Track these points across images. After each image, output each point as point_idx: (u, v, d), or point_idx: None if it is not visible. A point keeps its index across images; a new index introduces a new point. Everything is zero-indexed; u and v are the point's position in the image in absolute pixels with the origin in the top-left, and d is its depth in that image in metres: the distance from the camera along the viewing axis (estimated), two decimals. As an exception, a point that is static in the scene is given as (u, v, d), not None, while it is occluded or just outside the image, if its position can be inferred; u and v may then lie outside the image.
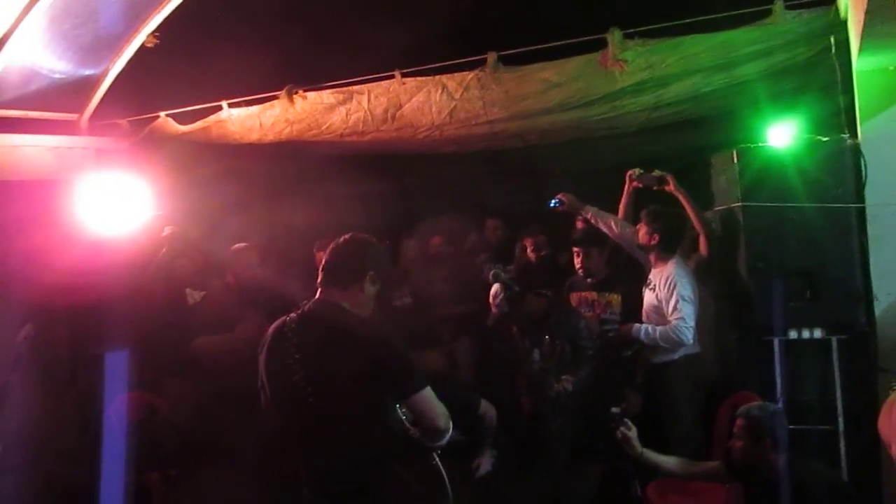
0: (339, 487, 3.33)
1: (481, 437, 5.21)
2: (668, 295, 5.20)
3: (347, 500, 3.33)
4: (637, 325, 5.36)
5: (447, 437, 3.41)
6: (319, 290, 3.48)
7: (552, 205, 5.86)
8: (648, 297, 5.40)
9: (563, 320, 5.46)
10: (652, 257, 5.42)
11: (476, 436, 5.17)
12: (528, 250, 6.65)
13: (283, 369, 3.36)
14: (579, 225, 6.06)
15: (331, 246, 3.54)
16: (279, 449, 3.74)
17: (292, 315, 3.46)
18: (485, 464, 5.20)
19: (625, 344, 5.51)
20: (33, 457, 5.16)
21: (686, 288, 5.18)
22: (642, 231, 5.40)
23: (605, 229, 5.72)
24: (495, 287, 5.50)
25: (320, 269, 3.52)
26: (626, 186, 5.89)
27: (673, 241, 5.34)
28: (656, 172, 5.69)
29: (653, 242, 5.35)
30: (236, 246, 5.78)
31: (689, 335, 5.14)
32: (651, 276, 5.42)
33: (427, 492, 3.58)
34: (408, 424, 3.50)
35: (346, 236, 3.55)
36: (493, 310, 5.59)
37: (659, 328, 5.23)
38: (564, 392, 5.25)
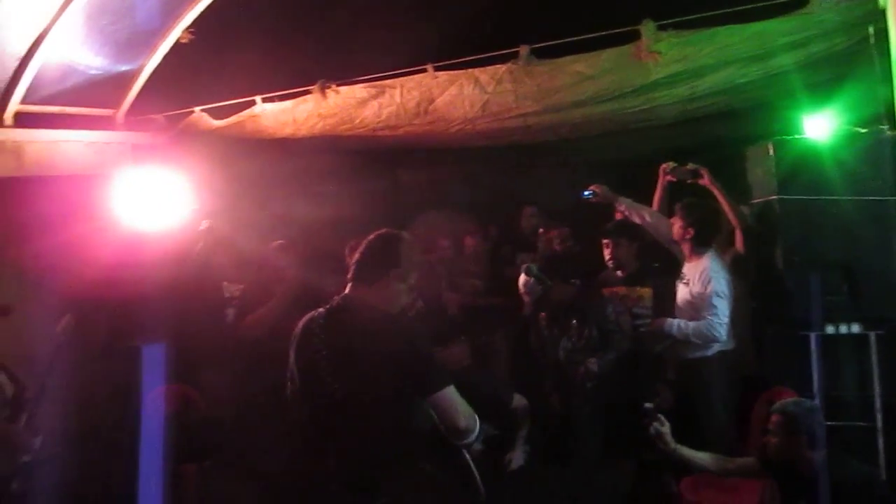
0: (365, 480, 3.34)
1: (514, 431, 5.21)
2: (702, 290, 5.15)
3: (373, 494, 3.33)
4: (669, 319, 5.30)
5: (472, 436, 3.40)
6: (348, 285, 3.51)
7: (585, 196, 5.81)
8: (682, 291, 5.35)
9: (590, 305, 5.44)
10: (686, 251, 5.37)
11: (509, 430, 5.17)
12: (555, 242, 6.61)
13: (311, 364, 3.39)
14: (618, 216, 6.01)
15: (363, 242, 3.56)
16: (306, 442, 3.77)
17: (320, 310, 3.49)
18: (517, 458, 5.20)
19: (656, 339, 5.45)
20: (71, 447, 5.24)
21: (721, 283, 5.13)
22: (677, 225, 5.35)
23: (638, 221, 5.67)
24: (523, 277, 5.48)
25: (351, 264, 3.54)
26: (660, 180, 5.84)
27: (708, 235, 5.29)
28: (690, 166, 5.64)
29: (687, 236, 5.30)
30: (275, 243, 5.84)
31: (722, 332, 5.09)
32: (685, 271, 5.37)
33: (456, 487, 3.57)
34: (436, 420, 3.51)
35: (376, 232, 3.56)
36: (525, 299, 5.58)
37: (692, 324, 5.18)
38: (590, 373, 5.21)
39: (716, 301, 5.09)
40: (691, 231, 5.28)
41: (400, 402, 3.32)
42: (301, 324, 3.53)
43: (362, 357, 3.30)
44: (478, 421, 3.41)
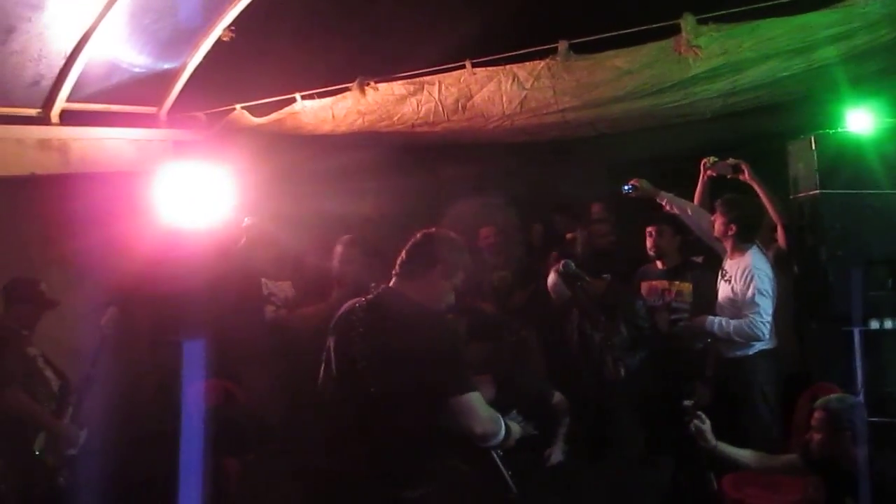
0: (399, 475, 3.37)
1: (553, 427, 5.21)
2: (745, 288, 5.10)
3: (406, 488, 3.36)
4: (710, 317, 5.25)
5: (494, 440, 3.44)
6: (393, 279, 3.56)
7: (626, 190, 5.76)
8: (724, 288, 5.30)
9: (620, 301, 5.40)
10: (729, 247, 5.32)
11: (549, 427, 5.17)
12: (589, 237, 6.60)
13: (348, 354, 3.43)
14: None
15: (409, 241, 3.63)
16: (340, 435, 3.81)
17: (362, 300, 3.53)
18: (556, 454, 5.19)
19: (696, 336, 5.40)
20: (115, 441, 5.33)
21: (764, 281, 5.08)
22: (719, 221, 5.30)
23: (679, 214, 5.63)
24: (552, 277, 5.47)
25: (398, 260, 3.60)
26: (701, 175, 5.80)
27: (751, 231, 5.25)
28: (731, 161, 5.60)
29: (730, 232, 5.25)
30: (343, 238, 5.91)
31: (765, 330, 5.04)
32: (727, 267, 5.32)
33: (487, 484, 3.59)
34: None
35: (422, 231, 3.64)
36: (553, 297, 5.57)
37: (733, 322, 5.13)
38: (618, 377, 5.19)
39: (759, 299, 5.04)
40: (734, 227, 5.22)
41: (429, 398, 3.34)
42: (342, 311, 3.59)
43: (395, 349, 3.33)
44: (501, 425, 3.45)
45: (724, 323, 5.18)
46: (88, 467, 5.18)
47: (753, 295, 5.05)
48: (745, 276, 5.11)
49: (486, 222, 6.95)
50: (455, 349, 3.44)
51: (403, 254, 3.57)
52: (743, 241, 5.23)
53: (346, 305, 3.60)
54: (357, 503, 3.47)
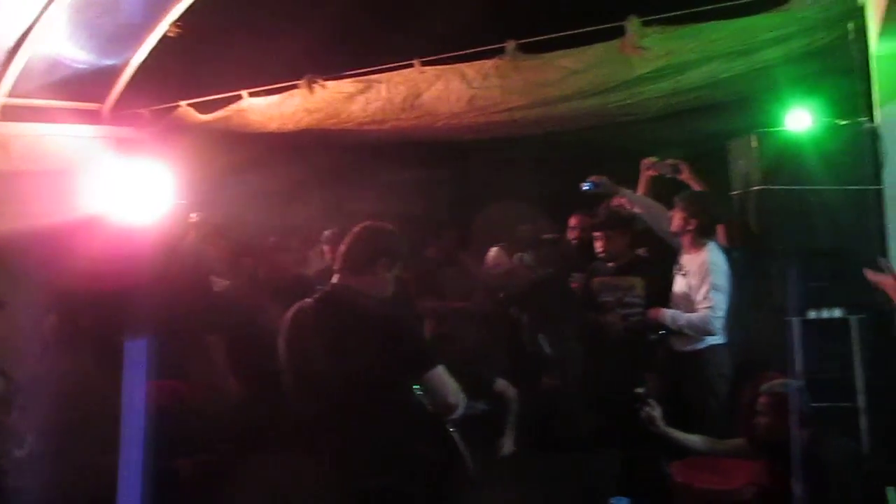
0: (362, 465, 3.41)
1: (503, 417, 5.29)
2: (700, 282, 5.19)
3: (368, 478, 3.40)
4: (664, 310, 5.34)
5: (460, 411, 3.53)
6: (336, 275, 3.61)
7: (585, 188, 5.73)
8: (679, 282, 5.39)
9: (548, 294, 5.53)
10: (686, 242, 5.38)
11: (498, 415, 5.25)
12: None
13: (302, 353, 3.49)
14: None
15: (349, 234, 3.67)
16: (301, 430, 3.83)
17: (308, 300, 3.58)
18: (507, 444, 5.27)
19: (650, 328, 5.49)
20: (63, 444, 5.21)
21: (720, 276, 5.17)
22: (678, 216, 5.35)
23: (639, 212, 5.68)
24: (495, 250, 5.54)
25: (338, 255, 3.64)
26: (643, 174, 5.91)
27: (710, 226, 5.33)
28: (670, 161, 5.73)
29: (689, 228, 5.30)
30: (271, 241, 5.89)
31: (717, 325, 5.15)
32: (684, 262, 5.39)
33: (446, 465, 3.66)
34: (424, 400, 3.58)
35: (363, 224, 3.68)
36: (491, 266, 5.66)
37: (686, 315, 5.23)
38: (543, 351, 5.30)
39: (713, 294, 5.13)
40: (694, 222, 5.29)
41: (392, 384, 3.41)
42: (290, 314, 3.62)
43: (354, 342, 3.37)
44: (463, 396, 3.53)
45: (678, 316, 5.26)
46: (35, 471, 5.07)
47: (708, 290, 5.14)
48: (702, 271, 5.20)
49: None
50: (415, 328, 3.59)
51: (344, 248, 3.61)
52: (701, 237, 5.31)
53: (292, 308, 3.63)
54: (321, 498, 3.52)
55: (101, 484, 4.94)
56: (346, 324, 3.43)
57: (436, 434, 3.61)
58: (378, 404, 3.39)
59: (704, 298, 5.17)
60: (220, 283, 6.07)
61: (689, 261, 5.36)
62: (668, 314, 5.32)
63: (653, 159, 5.82)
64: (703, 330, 5.18)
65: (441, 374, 3.43)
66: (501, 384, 5.36)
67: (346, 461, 3.45)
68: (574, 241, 6.47)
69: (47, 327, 5.51)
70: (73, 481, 5.05)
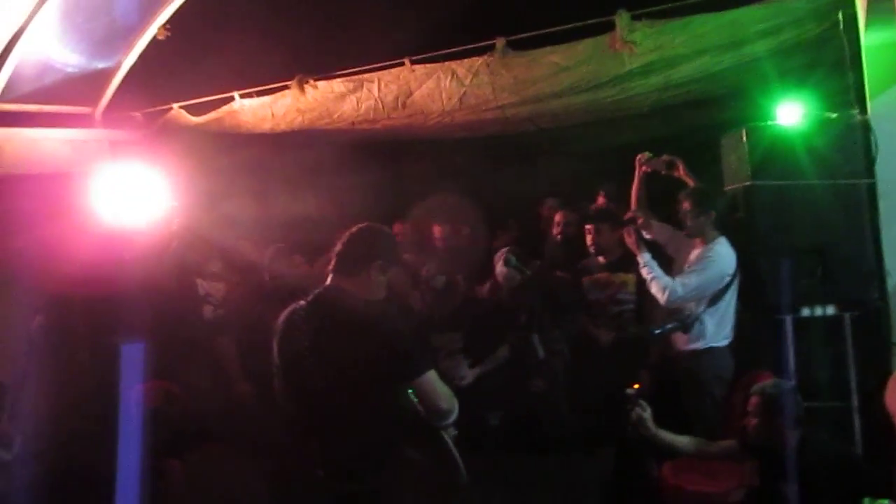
0: (351, 468, 3.42)
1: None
2: (695, 263, 5.13)
3: (359, 481, 3.41)
4: (647, 254, 5.24)
5: (452, 417, 3.49)
6: (329, 277, 3.60)
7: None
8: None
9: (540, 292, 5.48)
10: (698, 237, 5.31)
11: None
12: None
13: (294, 355, 3.47)
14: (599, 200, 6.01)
15: (343, 236, 3.65)
16: (292, 432, 3.81)
17: (301, 302, 3.57)
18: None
19: (641, 326, 5.45)
20: (52, 445, 5.23)
21: (716, 267, 5.10)
22: (691, 213, 5.25)
23: (661, 241, 5.58)
24: (500, 267, 5.52)
25: (332, 256, 3.63)
26: (637, 171, 5.85)
27: (721, 219, 5.26)
28: (665, 157, 5.68)
29: (706, 220, 5.23)
30: (275, 247, 5.90)
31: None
32: (692, 258, 5.28)
33: (438, 471, 3.62)
34: (417, 405, 3.55)
35: (358, 225, 3.66)
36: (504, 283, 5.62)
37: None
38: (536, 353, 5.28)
39: (694, 275, 5.06)
40: (712, 214, 5.20)
41: (384, 387, 3.39)
42: (283, 316, 3.61)
43: (347, 344, 3.37)
44: (456, 402, 3.49)
45: (653, 268, 5.18)
46: (25, 471, 5.09)
47: (694, 269, 5.08)
48: (702, 256, 5.14)
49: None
50: (408, 333, 3.49)
51: (340, 248, 3.60)
52: (714, 229, 5.23)
53: (286, 311, 3.63)
54: (309, 500, 3.51)
55: (93, 486, 4.99)
56: (338, 326, 3.42)
57: (427, 438, 3.55)
58: (368, 407, 3.38)
59: (685, 274, 5.10)
60: (206, 286, 6.07)
61: (696, 253, 5.27)
62: (646, 258, 5.22)
63: (647, 155, 5.75)
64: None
65: (432, 380, 3.41)
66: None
67: (334, 463, 3.46)
68: (558, 238, 6.42)
69: (35, 329, 5.52)
70: (64, 484, 5.08)
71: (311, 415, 3.50)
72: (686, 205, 5.29)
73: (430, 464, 3.57)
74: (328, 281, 3.59)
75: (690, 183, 5.49)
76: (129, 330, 5.29)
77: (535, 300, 5.39)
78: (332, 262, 3.61)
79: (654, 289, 5.13)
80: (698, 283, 5.07)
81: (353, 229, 3.65)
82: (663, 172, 5.69)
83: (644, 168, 5.79)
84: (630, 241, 5.29)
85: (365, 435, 3.40)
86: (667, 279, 5.12)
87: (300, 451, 3.62)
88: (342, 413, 3.39)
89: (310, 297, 3.57)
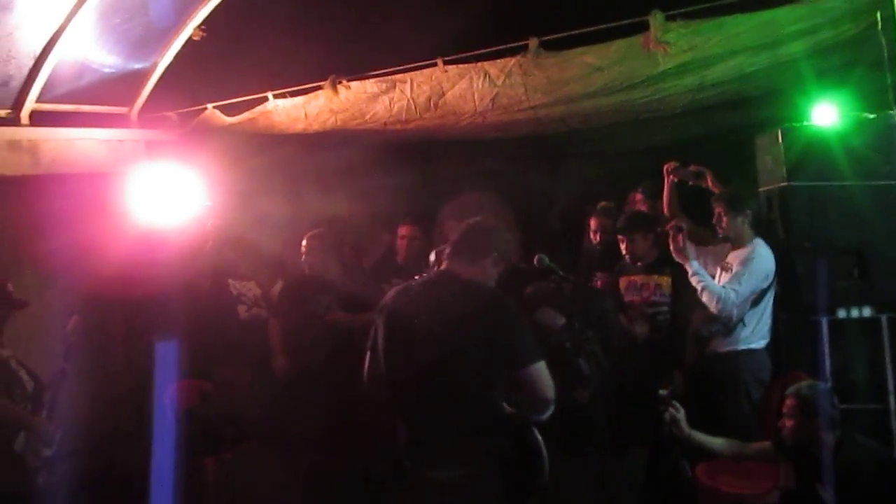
0: (443, 455, 3.39)
1: None
2: (741, 266, 5.07)
3: (449, 468, 3.37)
4: (695, 262, 5.16)
5: (550, 411, 3.46)
6: (445, 262, 3.65)
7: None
8: (723, 278, 5.23)
9: (588, 303, 5.44)
10: (735, 239, 5.26)
11: None
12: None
13: (407, 332, 3.47)
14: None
15: (462, 225, 3.71)
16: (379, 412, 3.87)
17: (412, 283, 3.66)
18: None
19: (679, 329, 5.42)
20: (88, 443, 5.29)
21: (758, 268, 5.03)
22: (726, 217, 5.20)
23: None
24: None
25: (448, 244, 3.71)
26: (666, 180, 5.81)
27: (757, 218, 5.21)
28: (693, 168, 5.65)
29: (744, 222, 5.17)
30: (310, 233, 5.95)
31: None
32: (730, 259, 5.24)
33: (525, 466, 3.63)
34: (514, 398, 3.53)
35: (478, 218, 3.75)
36: None
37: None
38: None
39: (744, 280, 5.00)
40: (749, 214, 5.14)
41: (492, 373, 3.40)
42: (392, 295, 3.66)
43: (460, 326, 3.37)
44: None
45: (703, 276, 5.10)
46: (64, 468, 5.15)
47: (742, 273, 5.02)
48: (745, 260, 5.08)
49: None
50: (523, 321, 3.50)
51: (458, 238, 3.66)
52: (751, 230, 5.18)
53: (394, 290, 3.70)
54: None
55: (129, 482, 5.06)
56: (454, 307, 3.43)
57: (520, 433, 3.54)
58: (472, 392, 3.39)
59: (734, 278, 5.04)
60: (238, 287, 6.13)
61: (735, 256, 5.22)
62: (696, 266, 5.14)
63: (674, 165, 5.74)
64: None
65: (542, 369, 3.38)
66: None
67: (424, 449, 3.46)
68: (597, 245, 6.41)
69: (69, 333, 5.59)
70: (101, 480, 5.15)
71: (408, 397, 3.50)
72: (720, 209, 5.26)
73: (518, 458, 3.52)
74: (444, 265, 3.65)
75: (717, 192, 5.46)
76: (163, 329, 5.36)
77: (575, 320, 5.36)
78: (449, 250, 3.66)
79: (706, 298, 5.07)
80: (748, 287, 5.03)
81: (472, 221, 3.72)
82: (691, 183, 5.68)
83: (671, 177, 5.77)
84: (676, 250, 5.21)
85: (464, 420, 3.38)
86: (718, 288, 5.06)
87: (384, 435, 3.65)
88: (444, 396, 3.38)
89: (425, 278, 3.67)
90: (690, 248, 5.22)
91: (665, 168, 5.77)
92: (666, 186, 5.84)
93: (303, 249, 5.98)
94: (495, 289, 3.61)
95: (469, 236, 3.66)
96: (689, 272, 5.15)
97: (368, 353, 3.66)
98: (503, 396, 3.47)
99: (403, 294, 3.61)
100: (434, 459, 3.40)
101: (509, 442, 3.46)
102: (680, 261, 5.21)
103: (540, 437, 3.58)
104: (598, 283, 5.91)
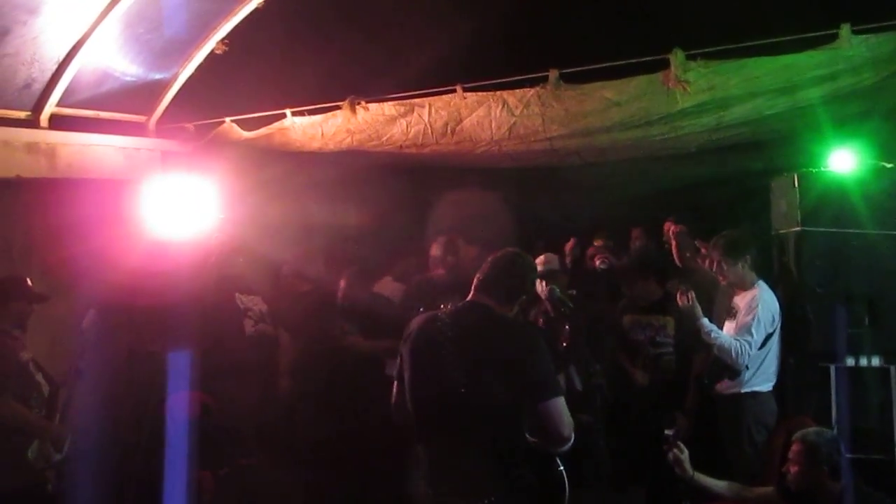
0: (468, 484, 3.37)
1: None
2: (747, 315, 5.05)
3: (474, 498, 3.34)
4: (707, 321, 5.13)
5: (568, 445, 3.44)
6: (473, 292, 3.60)
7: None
8: (728, 326, 5.24)
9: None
10: (737, 284, 5.28)
11: None
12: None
13: (435, 360, 3.45)
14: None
15: (495, 257, 3.67)
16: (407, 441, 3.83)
17: (440, 312, 3.59)
18: None
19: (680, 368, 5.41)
20: (100, 446, 5.27)
21: (766, 313, 5.03)
22: (725, 264, 5.21)
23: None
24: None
25: (479, 274, 3.64)
26: (668, 234, 5.87)
27: (756, 262, 5.22)
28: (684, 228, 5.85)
29: (743, 266, 5.18)
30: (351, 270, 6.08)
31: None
32: (734, 303, 5.26)
33: (549, 498, 3.61)
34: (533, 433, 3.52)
35: (505, 252, 3.70)
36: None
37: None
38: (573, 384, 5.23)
39: (754, 328, 4.99)
40: (748, 259, 5.16)
41: (515, 406, 3.36)
42: (418, 322, 3.62)
43: (487, 357, 3.38)
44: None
45: (715, 331, 5.09)
46: (73, 473, 5.13)
47: (751, 321, 5.00)
48: (751, 305, 5.07)
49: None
50: (548, 355, 3.46)
51: (491, 273, 3.61)
52: (752, 272, 5.19)
53: (421, 318, 3.65)
54: None
55: (132, 489, 5.04)
56: (481, 338, 3.44)
57: (544, 464, 3.57)
58: (496, 422, 3.37)
59: (745, 329, 5.03)
60: (244, 301, 6.12)
61: (740, 300, 5.23)
62: (706, 323, 5.12)
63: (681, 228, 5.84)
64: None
65: (561, 405, 3.36)
66: None
67: (449, 477, 3.43)
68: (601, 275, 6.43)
69: (85, 329, 5.58)
70: (106, 486, 5.12)
71: (433, 425, 3.48)
72: (716, 254, 5.26)
73: (542, 489, 3.51)
74: (472, 296, 3.60)
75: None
76: (171, 339, 5.34)
77: (574, 330, 5.34)
78: (478, 281, 3.61)
79: (723, 353, 5.05)
80: (759, 335, 5.02)
81: (503, 255, 3.68)
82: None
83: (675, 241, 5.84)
84: (685, 305, 5.18)
85: (489, 450, 3.37)
86: (734, 342, 5.03)
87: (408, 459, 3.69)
88: (469, 426, 3.37)
89: (454, 308, 3.60)
90: (698, 308, 5.19)
91: (665, 227, 5.77)
92: (673, 245, 5.85)
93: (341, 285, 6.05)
94: (523, 322, 3.60)
95: (500, 274, 3.61)
96: (702, 330, 5.12)
97: (395, 383, 3.65)
98: (527, 428, 3.44)
99: (431, 323, 3.57)
100: (457, 488, 3.38)
101: (533, 473, 3.44)
102: (691, 319, 5.19)
103: (563, 469, 3.57)
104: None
